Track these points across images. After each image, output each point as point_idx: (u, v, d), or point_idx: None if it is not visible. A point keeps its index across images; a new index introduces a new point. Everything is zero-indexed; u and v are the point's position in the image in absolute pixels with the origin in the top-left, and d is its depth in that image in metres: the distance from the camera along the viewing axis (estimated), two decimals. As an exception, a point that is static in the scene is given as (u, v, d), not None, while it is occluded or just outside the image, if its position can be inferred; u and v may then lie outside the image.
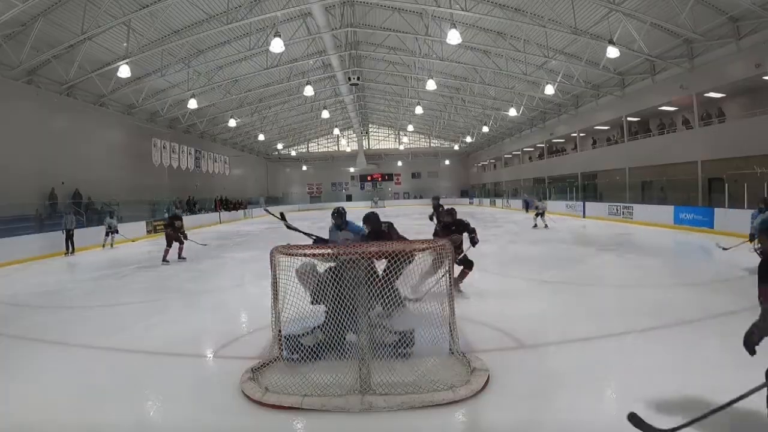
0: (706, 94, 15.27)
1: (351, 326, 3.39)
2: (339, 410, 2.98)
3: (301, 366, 3.51)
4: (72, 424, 3.01)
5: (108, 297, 7.00)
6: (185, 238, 10.81)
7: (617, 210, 17.97)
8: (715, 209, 12.86)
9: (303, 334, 3.85)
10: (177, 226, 10.50)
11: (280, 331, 3.72)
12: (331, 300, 3.47)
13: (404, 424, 2.87)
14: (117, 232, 14.34)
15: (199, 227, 22.09)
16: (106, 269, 9.86)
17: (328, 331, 3.53)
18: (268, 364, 3.63)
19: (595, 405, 3.10)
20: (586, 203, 20.91)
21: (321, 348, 3.62)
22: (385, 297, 3.51)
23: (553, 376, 3.46)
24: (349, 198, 44.33)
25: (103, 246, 14.18)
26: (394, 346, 3.68)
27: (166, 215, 10.43)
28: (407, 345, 3.74)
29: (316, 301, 3.75)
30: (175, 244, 10.45)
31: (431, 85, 18.11)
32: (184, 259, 10.46)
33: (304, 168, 44.83)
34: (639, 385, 3.28)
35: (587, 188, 23.19)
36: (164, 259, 10.19)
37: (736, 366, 3.58)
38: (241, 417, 3.01)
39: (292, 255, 3.68)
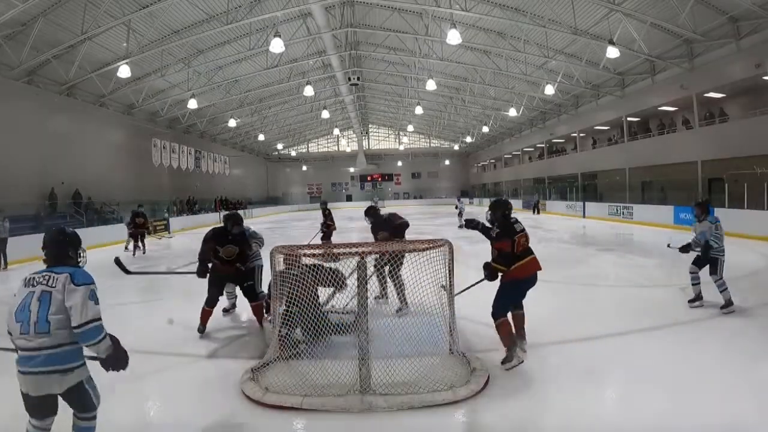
0: (706, 94, 15.27)
1: (298, 321, 3.62)
2: (339, 410, 2.99)
3: (301, 366, 3.51)
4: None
5: (108, 297, 6.96)
6: (148, 233, 12.22)
7: (617, 210, 17.97)
8: (715, 209, 12.83)
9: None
10: (138, 223, 11.69)
11: (280, 331, 3.73)
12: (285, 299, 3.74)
13: (404, 424, 2.87)
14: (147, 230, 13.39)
15: (200, 227, 22.11)
16: (106, 269, 9.84)
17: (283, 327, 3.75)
18: (268, 364, 3.63)
19: (595, 405, 3.10)
20: (586, 203, 20.92)
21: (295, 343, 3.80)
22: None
23: (552, 376, 3.46)
24: (349, 198, 44.34)
25: (130, 247, 12.38)
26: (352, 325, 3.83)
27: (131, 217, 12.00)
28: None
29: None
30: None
31: (431, 85, 18.11)
32: (144, 253, 11.86)
33: (304, 168, 44.82)
34: (638, 385, 3.28)
35: (587, 188, 23.22)
36: (133, 254, 11.64)
37: (736, 365, 3.58)
38: (241, 417, 3.01)
39: (292, 255, 3.69)
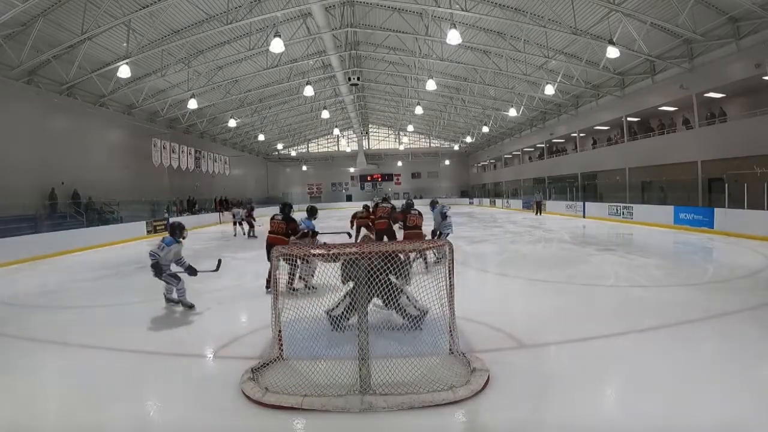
0: (706, 94, 15.27)
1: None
2: (339, 410, 2.99)
3: (301, 366, 3.52)
4: (72, 424, 3.02)
5: (108, 297, 7.00)
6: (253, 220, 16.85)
7: (617, 210, 17.97)
8: (715, 209, 12.86)
9: (334, 308, 4.23)
10: (251, 215, 16.53)
11: (280, 331, 3.73)
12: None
13: (404, 424, 2.87)
14: (243, 220, 17.46)
15: (200, 227, 22.10)
16: (106, 269, 9.86)
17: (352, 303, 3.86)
18: (268, 364, 3.63)
19: (595, 405, 3.10)
20: (586, 203, 20.91)
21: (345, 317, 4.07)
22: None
23: (552, 376, 3.47)
24: (349, 198, 44.34)
25: (234, 234, 17.06)
26: (415, 319, 4.35)
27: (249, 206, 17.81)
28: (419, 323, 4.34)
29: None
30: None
31: (431, 85, 18.10)
32: (255, 237, 15.42)
33: (304, 168, 44.83)
34: (639, 385, 3.28)
35: (587, 188, 23.21)
36: (234, 234, 16.91)
37: (735, 365, 3.58)
38: (241, 417, 3.01)
39: (292, 255, 3.69)
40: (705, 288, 6.40)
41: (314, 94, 22.32)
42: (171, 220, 6.68)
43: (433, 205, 9.47)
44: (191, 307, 5.70)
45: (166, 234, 5.96)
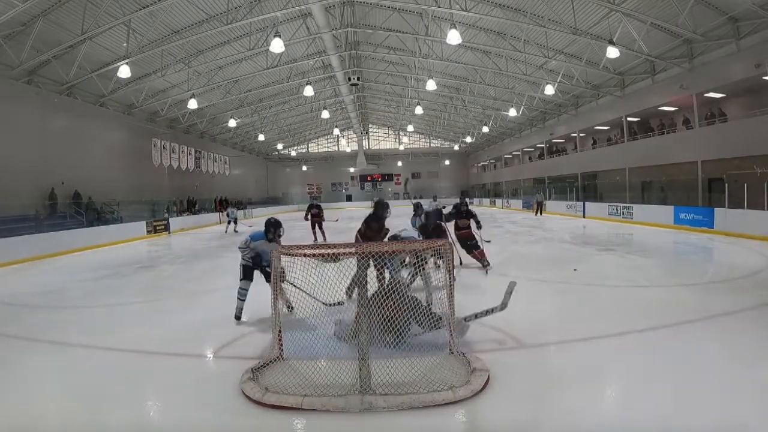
0: (706, 94, 15.27)
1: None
2: (339, 410, 2.99)
3: (301, 366, 3.52)
4: (72, 424, 3.01)
5: (108, 297, 6.99)
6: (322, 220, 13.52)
7: (617, 210, 17.96)
8: (715, 209, 12.86)
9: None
10: (314, 213, 13.06)
11: (280, 331, 3.73)
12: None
13: (404, 424, 2.87)
14: (237, 220, 18.31)
15: (200, 227, 22.11)
16: (106, 269, 9.85)
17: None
18: (268, 364, 3.63)
19: (595, 405, 3.10)
20: (586, 203, 20.90)
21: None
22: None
23: (553, 376, 3.46)
24: (349, 198, 44.34)
25: (226, 231, 18.10)
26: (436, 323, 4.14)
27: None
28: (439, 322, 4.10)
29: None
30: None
31: (431, 85, 18.09)
32: (324, 240, 12.70)
33: (304, 168, 44.84)
34: (639, 385, 3.28)
35: (587, 188, 23.21)
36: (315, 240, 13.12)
37: (736, 366, 3.58)
38: (241, 417, 3.01)
39: (292, 255, 3.69)
40: (705, 288, 6.40)
41: (314, 94, 22.33)
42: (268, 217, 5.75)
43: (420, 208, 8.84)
44: (291, 308, 4.89)
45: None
